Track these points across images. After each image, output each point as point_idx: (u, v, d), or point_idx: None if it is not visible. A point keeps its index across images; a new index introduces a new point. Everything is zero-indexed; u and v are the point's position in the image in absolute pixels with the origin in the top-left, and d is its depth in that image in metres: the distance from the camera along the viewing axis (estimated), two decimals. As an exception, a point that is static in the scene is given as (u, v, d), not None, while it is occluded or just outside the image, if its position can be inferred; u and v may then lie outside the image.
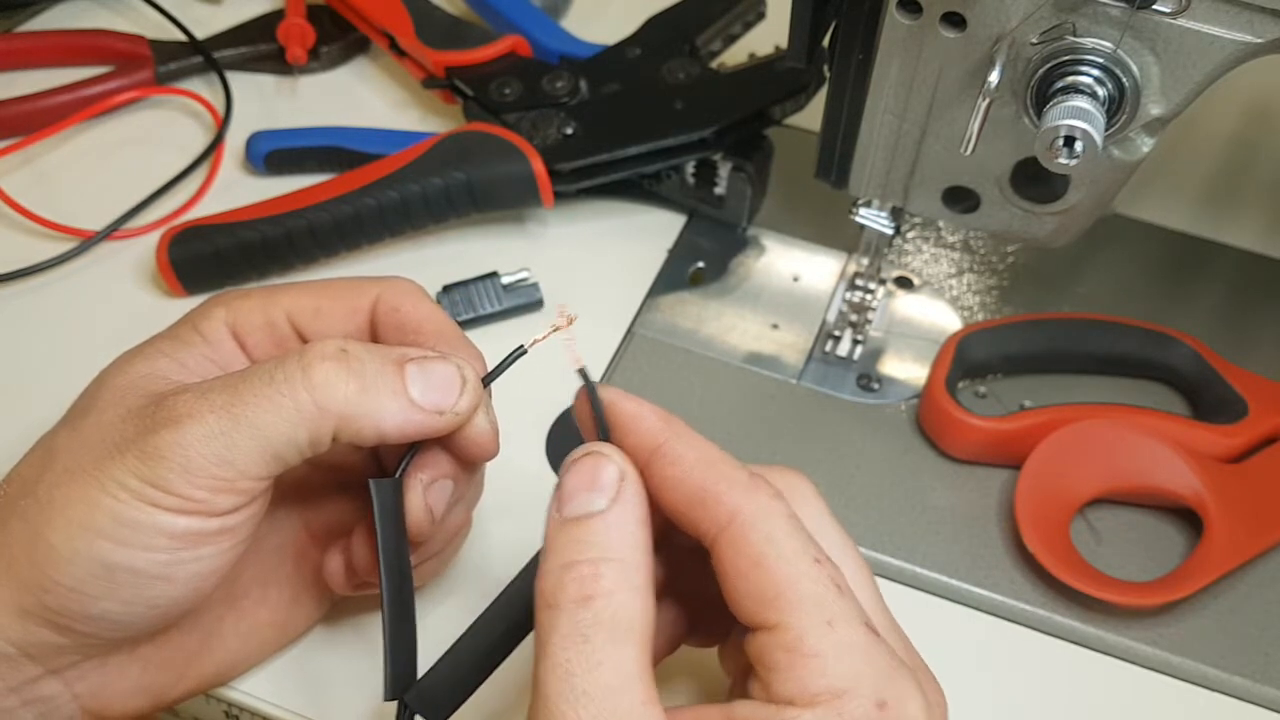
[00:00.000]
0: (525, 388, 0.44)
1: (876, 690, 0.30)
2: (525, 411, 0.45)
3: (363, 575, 0.39)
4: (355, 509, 0.42)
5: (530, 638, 0.34)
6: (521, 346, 0.37)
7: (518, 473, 0.48)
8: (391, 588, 0.36)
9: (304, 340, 0.39)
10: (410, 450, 0.37)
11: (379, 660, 0.36)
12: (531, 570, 0.33)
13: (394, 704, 0.35)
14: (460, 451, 0.38)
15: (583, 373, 0.34)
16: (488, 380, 0.38)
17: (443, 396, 0.36)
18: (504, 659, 0.35)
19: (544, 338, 0.37)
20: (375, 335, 0.40)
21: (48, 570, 0.33)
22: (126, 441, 0.34)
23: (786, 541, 0.32)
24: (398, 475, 0.37)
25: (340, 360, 0.35)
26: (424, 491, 0.37)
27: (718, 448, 0.34)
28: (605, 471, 0.33)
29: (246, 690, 0.42)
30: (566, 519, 0.32)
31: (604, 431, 0.34)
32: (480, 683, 0.35)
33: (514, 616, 0.34)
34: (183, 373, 0.37)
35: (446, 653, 0.34)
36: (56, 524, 0.33)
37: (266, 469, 0.34)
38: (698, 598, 0.37)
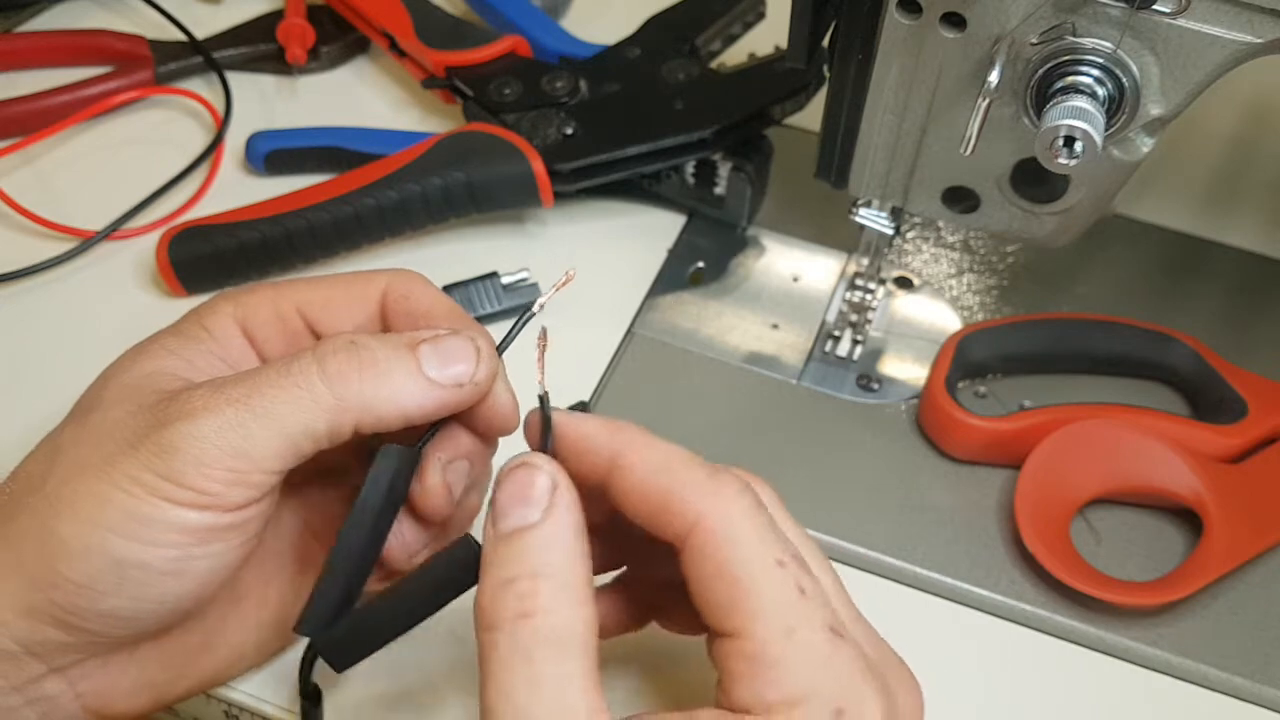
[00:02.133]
0: (524, 389, 0.44)
1: (834, 697, 0.30)
2: (525, 412, 0.45)
3: (388, 566, 0.39)
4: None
5: (441, 611, 0.35)
6: (529, 309, 0.38)
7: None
8: (352, 539, 0.36)
9: (315, 333, 0.39)
10: (433, 427, 0.38)
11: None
12: (453, 547, 0.35)
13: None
14: (483, 426, 0.38)
15: (543, 398, 0.35)
16: (501, 348, 0.38)
17: (460, 369, 0.36)
18: (410, 628, 0.36)
19: (548, 298, 0.38)
20: (386, 324, 0.40)
21: (57, 566, 0.33)
22: (138, 437, 0.34)
23: (749, 546, 0.31)
24: (419, 447, 0.38)
25: (351, 351, 0.35)
26: (443, 469, 0.38)
27: (678, 449, 0.33)
28: (537, 482, 0.32)
29: (246, 690, 0.42)
30: (501, 534, 0.32)
31: (547, 446, 0.34)
32: (383, 644, 0.36)
33: (428, 590, 0.35)
34: (190, 370, 0.37)
35: (358, 609, 0.35)
36: (66, 519, 0.33)
37: (282, 461, 0.34)
38: (667, 584, 0.36)
